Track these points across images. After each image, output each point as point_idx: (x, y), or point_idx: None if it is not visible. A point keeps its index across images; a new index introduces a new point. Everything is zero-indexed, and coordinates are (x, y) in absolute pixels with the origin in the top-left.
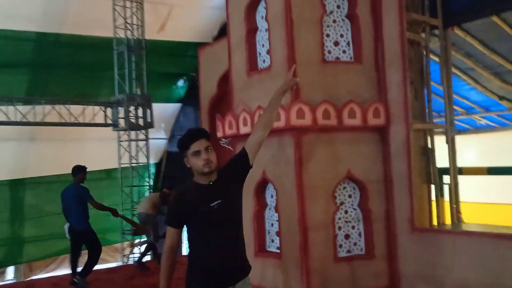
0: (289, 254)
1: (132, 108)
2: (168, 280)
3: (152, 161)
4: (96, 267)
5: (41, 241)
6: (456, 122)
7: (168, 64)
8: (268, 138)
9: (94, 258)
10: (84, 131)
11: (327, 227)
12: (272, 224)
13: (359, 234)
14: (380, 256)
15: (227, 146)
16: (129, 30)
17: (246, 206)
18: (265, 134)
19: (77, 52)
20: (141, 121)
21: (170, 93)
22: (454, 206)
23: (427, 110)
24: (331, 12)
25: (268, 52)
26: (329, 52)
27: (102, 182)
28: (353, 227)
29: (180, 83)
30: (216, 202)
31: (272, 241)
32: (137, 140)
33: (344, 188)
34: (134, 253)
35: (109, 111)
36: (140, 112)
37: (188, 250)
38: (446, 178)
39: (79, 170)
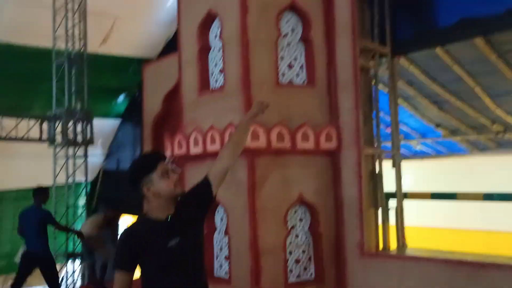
0: (238, 280)
1: (70, 123)
2: None
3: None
4: None
5: None
6: None
7: (109, 78)
8: None
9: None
10: (17, 147)
11: (278, 251)
12: (221, 249)
13: (309, 259)
14: (330, 281)
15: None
16: (70, 41)
17: None
18: (232, 162)
19: (11, 62)
20: (79, 137)
21: (109, 108)
22: (400, 230)
23: (375, 135)
24: (286, 34)
25: (222, 71)
26: (283, 74)
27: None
28: (303, 252)
29: (121, 98)
30: (174, 241)
31: (221, 266)
32: (74, 157)
33: (296, 211)
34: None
35: (45, 125)
36: (79, 127)
37: None
38: (391, 203)
39: (40, 191)
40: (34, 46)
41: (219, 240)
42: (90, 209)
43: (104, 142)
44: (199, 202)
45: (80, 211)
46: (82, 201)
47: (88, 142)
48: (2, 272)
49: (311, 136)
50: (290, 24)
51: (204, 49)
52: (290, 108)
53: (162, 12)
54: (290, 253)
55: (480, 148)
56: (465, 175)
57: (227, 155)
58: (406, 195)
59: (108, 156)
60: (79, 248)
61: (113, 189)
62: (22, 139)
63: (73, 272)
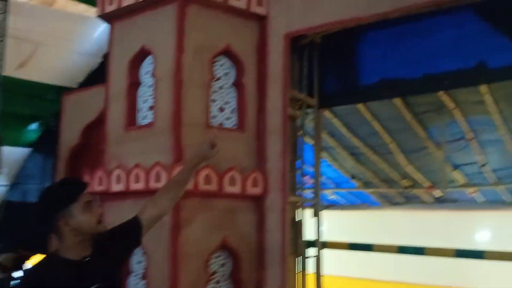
0: None
1: None
2: None
3: None
4: None
5: None
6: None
7: (23, 105)
8: (143, 199)
9: None
10: None
11: None
12: None
13: None
14: None
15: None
16: None
17: None
18: (169, 209)
19: None
20: None
21: (20, 136)
22: (318, 279)
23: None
24: (219, 78)
25: (152, 108)
26: (214, 117)
27: None
28: None
29: (34, 126)
30: (93, 287)
31: None
32: None
33: (218, 256)
34: None
35: None
36: None
37: None
38: (310, 251)
39: None
40: None
41: (134, 285)
42: None
43: (10, 172)
44: (126, 244)
45: None
46: None
47: None
48: None
49: (238, 180)
50: (224, 68)
51: (134, 85)
52: (219, 151)
53: (88, 42)
54: None
55: (389, 201)
56: (380, 227)
57: (166, 199)
58: (325, 244)
59: (14, 186)
60: None
61: (17, 224)
62: None
63: None
